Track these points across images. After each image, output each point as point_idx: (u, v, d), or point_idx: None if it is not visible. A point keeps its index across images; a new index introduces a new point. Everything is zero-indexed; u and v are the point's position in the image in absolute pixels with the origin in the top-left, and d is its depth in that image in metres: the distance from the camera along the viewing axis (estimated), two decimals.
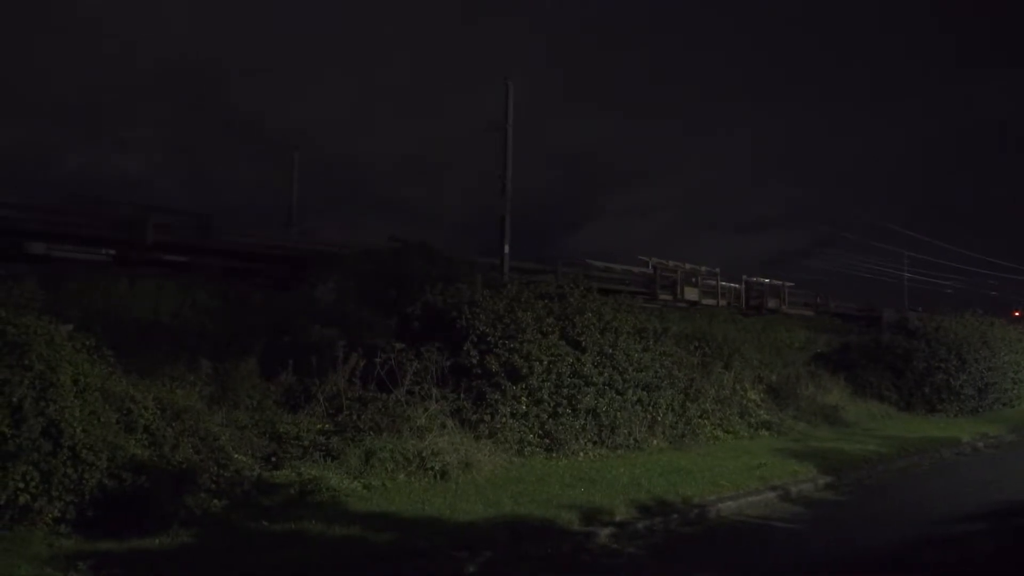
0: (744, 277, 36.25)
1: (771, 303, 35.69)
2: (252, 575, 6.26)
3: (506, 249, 24.39)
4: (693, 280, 33.10)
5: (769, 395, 16.85)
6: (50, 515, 6.73)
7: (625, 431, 12.42)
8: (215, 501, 7.71)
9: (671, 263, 33.01)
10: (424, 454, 9.72)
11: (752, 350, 18.84)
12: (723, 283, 34.60)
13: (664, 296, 30.74)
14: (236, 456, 8.50)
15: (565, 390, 11.81)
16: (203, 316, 14.50)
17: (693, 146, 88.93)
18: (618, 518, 8.40)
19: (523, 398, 11.36)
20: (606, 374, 12.42)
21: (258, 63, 73.74)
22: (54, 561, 6.10)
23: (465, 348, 11.48)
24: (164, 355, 10.81)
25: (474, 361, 11.40)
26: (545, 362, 11.63)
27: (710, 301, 32.45)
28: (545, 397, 11.57)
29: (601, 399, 12.19)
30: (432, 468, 9.61)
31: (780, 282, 37.98)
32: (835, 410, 17.60)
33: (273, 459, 9.15)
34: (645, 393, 13.03)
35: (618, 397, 12.50)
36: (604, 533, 8.01)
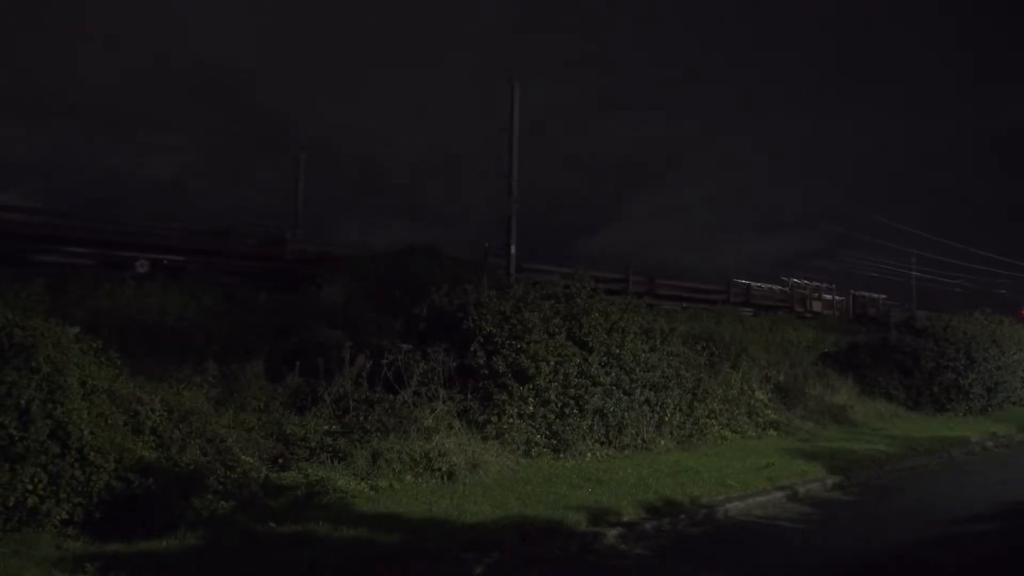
0: (852, 291, 42.16)
1: (871, 312, 41.04)
2: None
3: (512, 250, 24.36)
4: (816, 296, 39.02)
5: (776, 395, 16.78)
6: (58, 517, 6.73)
7: (632, 431, 12.39)
8: (222, 503, 7.70)
9: (803, 281, 39.51)
10: (431, 455, 9.70)
11: (759, 350, 18.78)
12: (837, 297, 40.94)
13: (798, 309, 36.25)
14: (243, 458, 8.50)
15: (572, 390, 11.78)
16: (209, 318, 14.51)
17: (711, 147, 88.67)
18: (626, 519, 8.38)
19: (530, 399, 11.33)
20: (613, 374, 12.39)
21: (284, 66, 74.05)
22: (62, 563, 6.11)
23: (472, 349, 11.46)
24: (170, 357, 10.81)
25: (481, 362, 11.38)
26: (552, 362, 11.61)
27: (828, 312, 38.02)
28: (552, 398, 11.54)
29: (608, 399, 12.16)
30: (439, 469, 9.59)
31: (878, 295, 44.34)
32: (843, 409, 17.52)
33: (280, 460, 9.15)
34: (652, 393, 12.99)
35: (625, 397, 12.46)
36: (612, 534, 7.99)
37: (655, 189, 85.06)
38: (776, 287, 38.78)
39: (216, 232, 23.45)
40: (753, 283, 36.66)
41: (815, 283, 39.66)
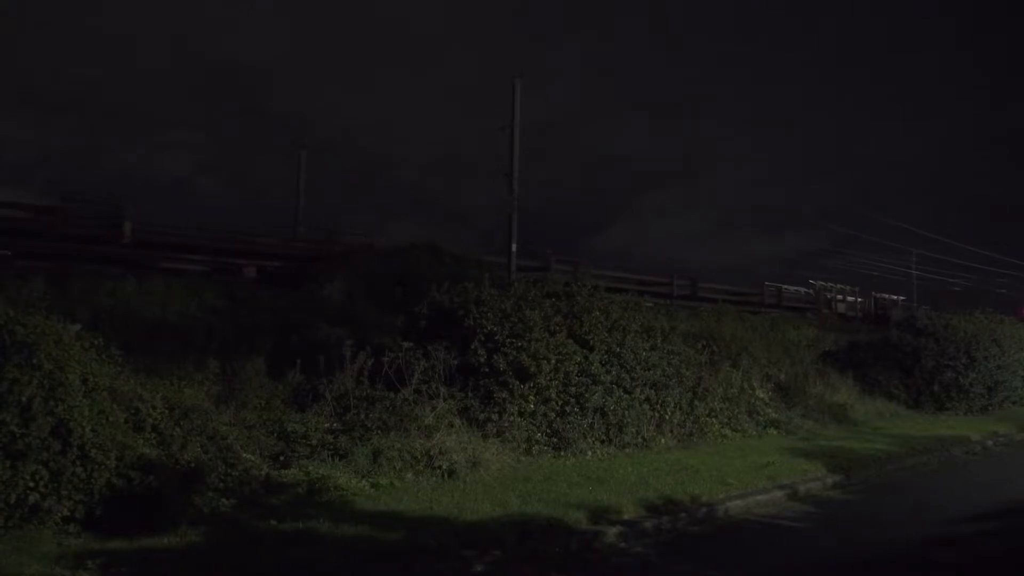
0: (873, 293, 45.09)
1: (891, 313, 42.86)
2: (261, 574, 6.27)
3: (513, 248, 24.42)
4: (841, 298, 41.42)
5: (777, 393, 16.79)
6: (59, 514, 6.74)
7: (633, 430, 12.39)
8: (223, 500, 7.73)
9: (828, 284, 42.12)
10: (432, 453, 9.72)
11: (760, 348, 18.78)
12: (859, 299, 43.64)
13: (824, 310, 38.27)
14: (244, 455, 8.51)
15: (573, 389, 11.79)
16: (210, 315, 14.52)
17: (714, 148, 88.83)
18: (626, 517, 8.38)
19: (531, 397, 11.33)
20: (614, 372, 12.40)
21: (295, 66, 74.44)
22: (63, 560, 6.12)
23: (472, 347, 11.46)
24: (172, 354, 10.84)
25: (482, 360, 11.38)
26: (553, 361, 11.61)
27: (852, 313, 40.41)
28: (553, 396, 11.55)
29: (609, 398, 12.17)
30: (440, 467, 9.61)
31: (897, 296, 47.37)
32: (843, 408, 17.53)
33: (281, 458, 9.16)
34: (653, 392, 13.00)
35: (626, 396, 12.47)
36: (612, 532, 7.99)
37: (659, 189, 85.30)
38: (802, 289, 41.17)
39: (314, 240, 25.07)
40: (783, 286, 39.21)
41: (839, 285, 42.10)
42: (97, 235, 20.07)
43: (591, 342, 12.29)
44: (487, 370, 11.34)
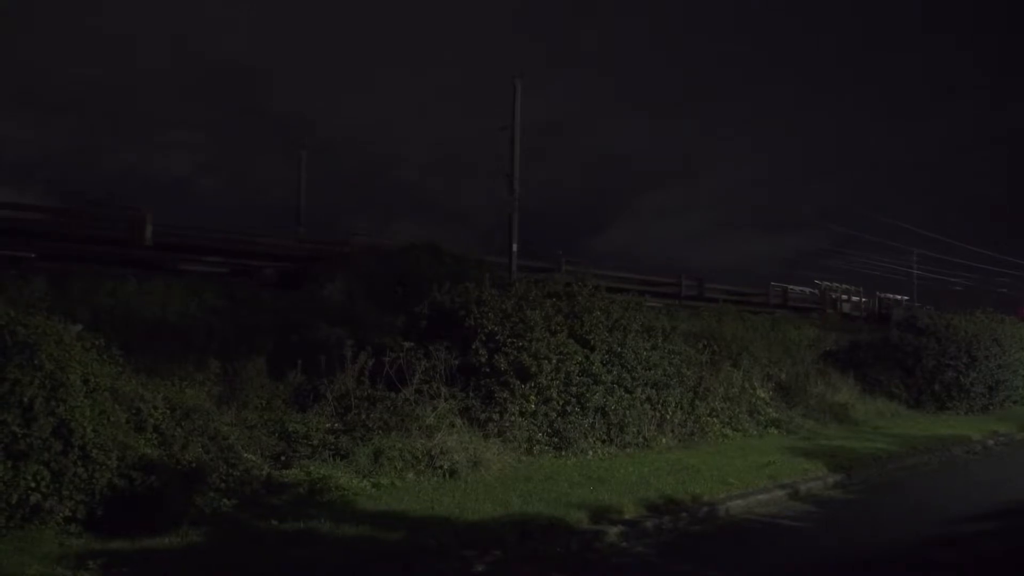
0: (877, 293, 45.60)
1: (892, 312, 44.09)
2: (262, 574, 6.27)
3: (514, 248, 24.41)
4: (846, 298, 41.84)
5: (778, 393, 16.79)
6: (61, 514, 6.74)
7: (634, 429, 12.40)
8: (225, 500, 7.73)
9: (833, 284, 42.80)
10: (433, 453, 9.72)
11: (761, 348, 18.77)
12: (864, 299, 44.13)
13: (829, 310, 38.73)
14: (245, 455, 8.52)
15: (574, 388, 11.79)
16: (211, 315, 14.51)
17: (715, 148, 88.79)
18: (627, 516, 8.38)
19: (532, 397, 11.33)
20: (615, 372, 12.40)
21: (297, 66, 74.54)
22: (64, 560, 6.12)
23: (474, 347, 11.46)
24: (172, 355, 10.83)
25: (483, 360, 11.38)
26: (554, 360, 11.61)
27: (856, 313, 40.80)
28: (554, 396, 11.55)
29: (610, 397, 12.17)
30: (441, 467, 9.61)
31: (900, 296, 47.77)
32: (844, 408, 17.52)
33: (282, 458, 9.17)
34: (654, 391, 13.00)
35: (627, 395, 12.47)
36: (613, 532, 7.99)
37: (659, 189, 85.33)
38: (807, 289, 41.62)
39: (325, 241, 25.18)
40: (789, 286, 39.59)
41: (844, 286, 42.63)
42: (118, 238, 20.11)
43: (592, 342, 12.29)
44: (488, 370, 11.34)
